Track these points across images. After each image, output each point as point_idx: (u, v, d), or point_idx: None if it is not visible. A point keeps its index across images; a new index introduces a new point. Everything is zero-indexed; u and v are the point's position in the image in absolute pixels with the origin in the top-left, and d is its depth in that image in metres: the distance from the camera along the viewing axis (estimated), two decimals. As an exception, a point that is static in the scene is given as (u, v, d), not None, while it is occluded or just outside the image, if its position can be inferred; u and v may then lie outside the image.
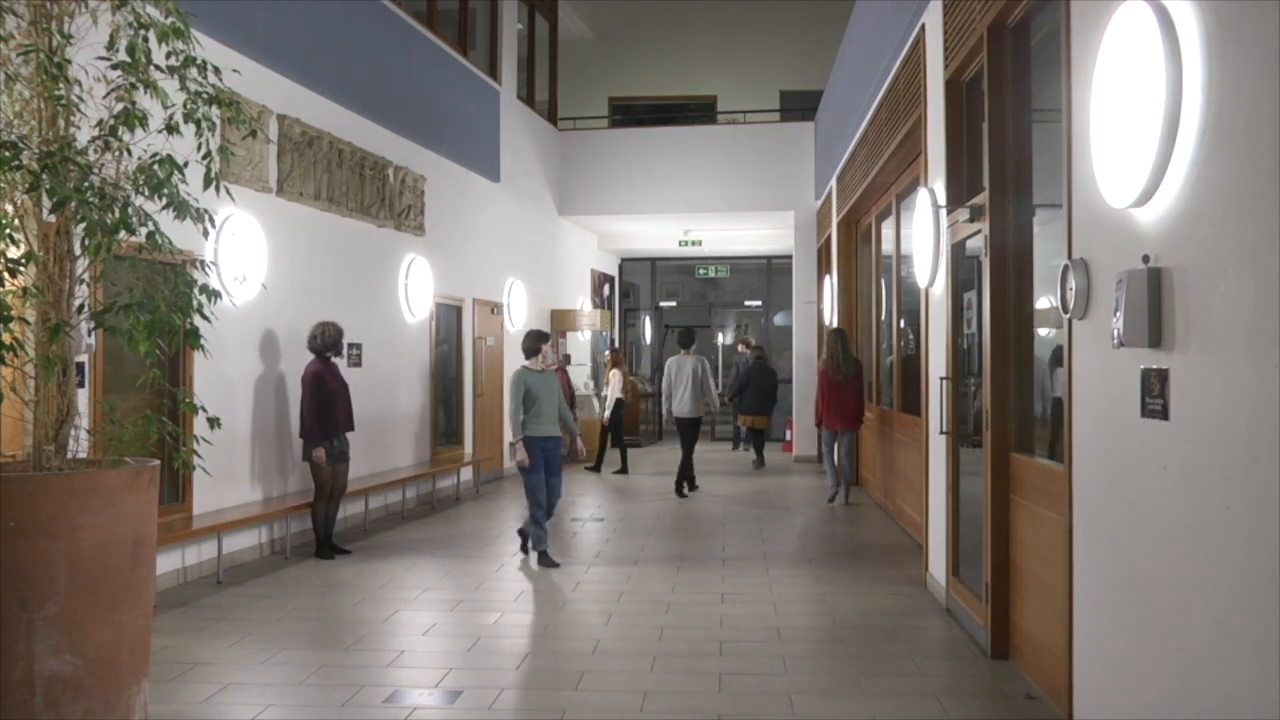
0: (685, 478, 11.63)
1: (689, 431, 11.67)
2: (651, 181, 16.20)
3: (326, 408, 7.90)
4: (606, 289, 20.03)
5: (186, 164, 4.21)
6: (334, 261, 9.35)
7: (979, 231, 5.54)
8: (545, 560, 7.70)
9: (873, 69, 9.49)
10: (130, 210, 3.99)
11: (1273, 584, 2.52)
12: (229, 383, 7.69)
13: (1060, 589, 4.22)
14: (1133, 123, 3.22)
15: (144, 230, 4.07)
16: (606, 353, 15.28)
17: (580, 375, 16.64)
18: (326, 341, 8.01)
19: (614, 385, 13.87)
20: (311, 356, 8.05)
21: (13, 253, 3.94)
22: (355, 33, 9.95)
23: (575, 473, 13.33)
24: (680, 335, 12.08)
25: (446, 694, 4.78)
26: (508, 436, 13.80)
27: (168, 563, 6.82)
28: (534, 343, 8.09)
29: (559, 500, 8.01)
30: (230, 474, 7.68)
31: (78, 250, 4.03)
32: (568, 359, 16.11)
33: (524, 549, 8.05)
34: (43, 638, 3.71)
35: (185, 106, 4.20)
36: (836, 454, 10.76)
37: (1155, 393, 3.20)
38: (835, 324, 12.87)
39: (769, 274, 20.90)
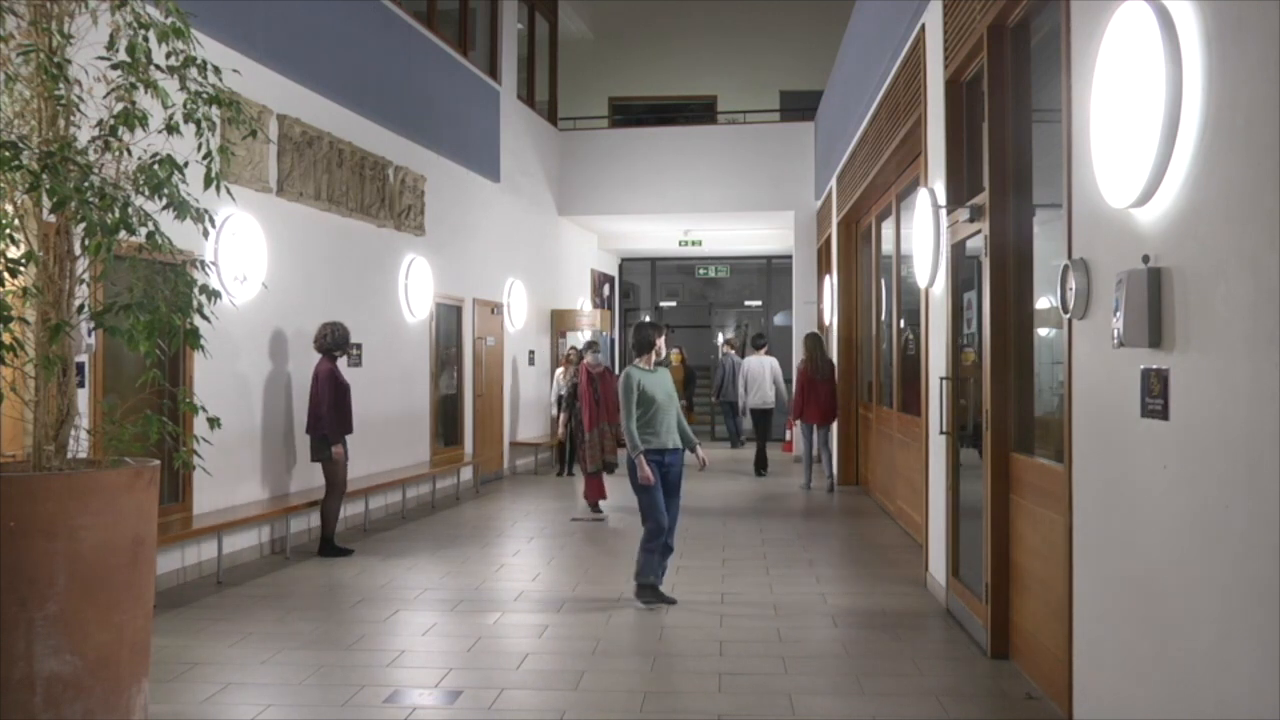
0: (761, 461, 13.48)
1: (763, 420, 13.68)
2: (651, 181, 16.20)
3: (343, 405, 7.99)
4: (606, 289, 20.02)
5: (186, 164, 4.21)
6: (334, 261, 9.35)
7: (979, 231, 5.54)
8: (649, 595, 6.42)
9: (873, 69, 9.49)
10: (130, 210, 3.99)
11: (1272, 584, 2.52)
12: (229, 382, 7.69)
13: (1060, 589, 4.23)
14: (1133, 123, 3.22)
15: (144, 230, 4.07)
16: (571, 349, 14.15)
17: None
18: (336, 340, 8.08)
19: (565, 381, 12.92)
20: (318, 356, 8.08)
21: (13, 253, 3.94)
22: (355, 33, 9.95)
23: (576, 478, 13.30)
24: (754, 338, 14.22)
25: (446, 694, 4.78)
26: (508, 436, 13.86)
27: (168, 563, 6.83)
28: (647, 336, 6.67)
29: (677, 525, 6.71)
30: (230, 474, 7.68)
31: (78, 250, 4.03)
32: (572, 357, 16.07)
33: (650, 599, 6.45)
34: (43, 638, 3.70)
35: (185, 106, 4.20)
36: (815, 447, 11.95)
37: (1155, 393, 3.20)
38: (836, 325, 12.96)
39: (769, 274, 20.89)
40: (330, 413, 7.89)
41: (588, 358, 10.35)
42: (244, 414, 7.91)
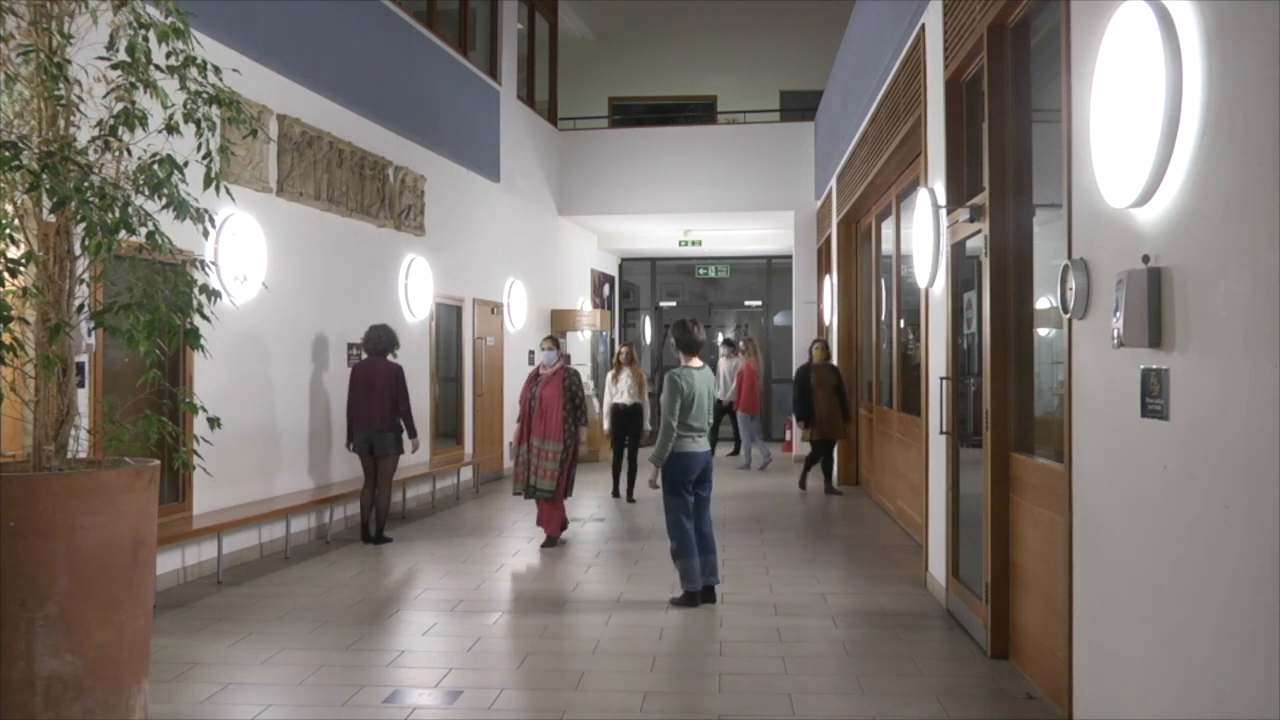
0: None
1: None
2: (651, 181, 16.20)
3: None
4: (606, 289, 20.02)
5: (186, 164, 4.21)
6: (334, 261, 9.34)
7: (979, 231, 5.54)
8: (687, 601, 6.38)
9: (873, 69, 9.49)
10: (130, 210, 4.00)
11: (1273, 584, 2.52)
12: (228, 382, 7.68)
13: (1060, 589, 4.23)
14: (1133, 123, 3.22)
15: (144, 230, 4.07)
16: (622, 349, 12.25)
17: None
18: (389, 341, 8.63)
19: (620, 387, 11.61)
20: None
21: (13, 253, 3.94)
22: (355, 33, 9.95)
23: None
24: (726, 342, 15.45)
25: (446, 694, 4.78)
26: (508, 436, 13.81)
27: (168, 563, 6.82)
28: (694, 337, 6.52)
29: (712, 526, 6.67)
30: (230, 474, 7.67)
31: (78, 250, 4.03)
32: (567, 358, 16.08)
33: (694, 604, 6.37)
34: (43, 638, 3.71)
35: (185, 106, 4.20)
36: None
37: (1155, 393, 3.20)
38: (836, 325, 13.04)
39: (769, 274, 20.89)
40: (409, 410, 8.53)
41: (540, 356, 8.85)
42: (243, 413, 7.90)
